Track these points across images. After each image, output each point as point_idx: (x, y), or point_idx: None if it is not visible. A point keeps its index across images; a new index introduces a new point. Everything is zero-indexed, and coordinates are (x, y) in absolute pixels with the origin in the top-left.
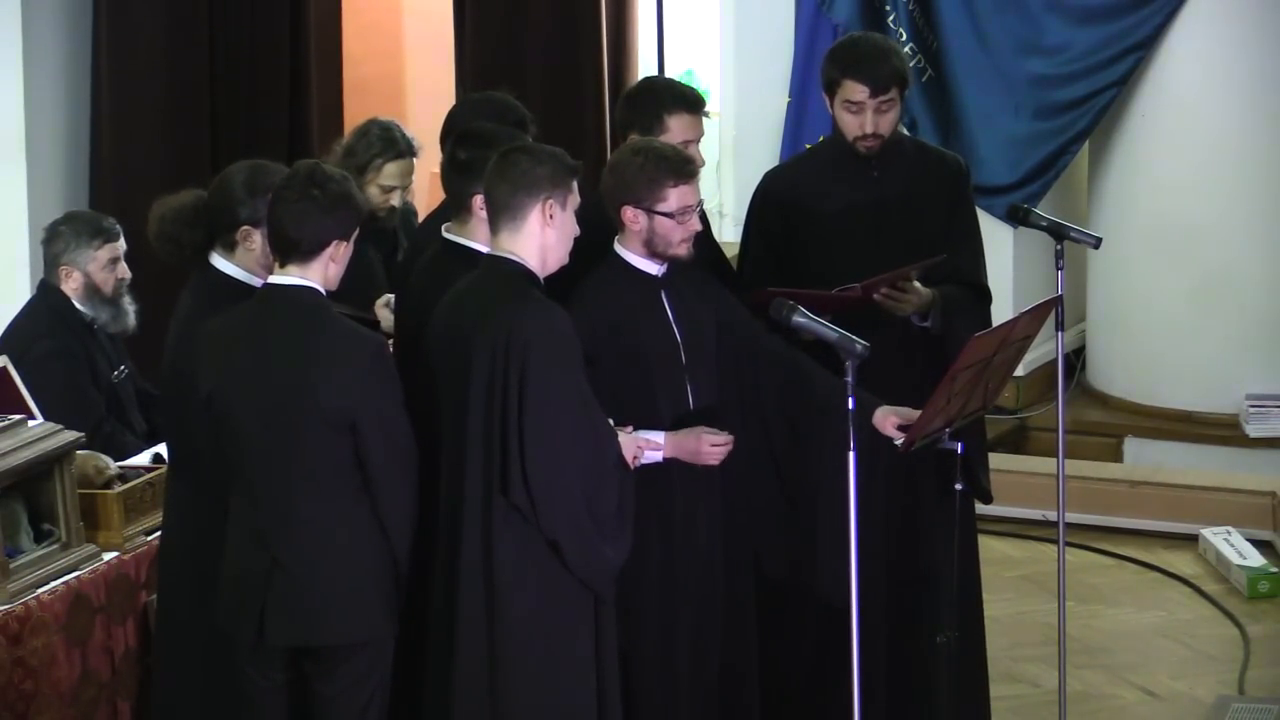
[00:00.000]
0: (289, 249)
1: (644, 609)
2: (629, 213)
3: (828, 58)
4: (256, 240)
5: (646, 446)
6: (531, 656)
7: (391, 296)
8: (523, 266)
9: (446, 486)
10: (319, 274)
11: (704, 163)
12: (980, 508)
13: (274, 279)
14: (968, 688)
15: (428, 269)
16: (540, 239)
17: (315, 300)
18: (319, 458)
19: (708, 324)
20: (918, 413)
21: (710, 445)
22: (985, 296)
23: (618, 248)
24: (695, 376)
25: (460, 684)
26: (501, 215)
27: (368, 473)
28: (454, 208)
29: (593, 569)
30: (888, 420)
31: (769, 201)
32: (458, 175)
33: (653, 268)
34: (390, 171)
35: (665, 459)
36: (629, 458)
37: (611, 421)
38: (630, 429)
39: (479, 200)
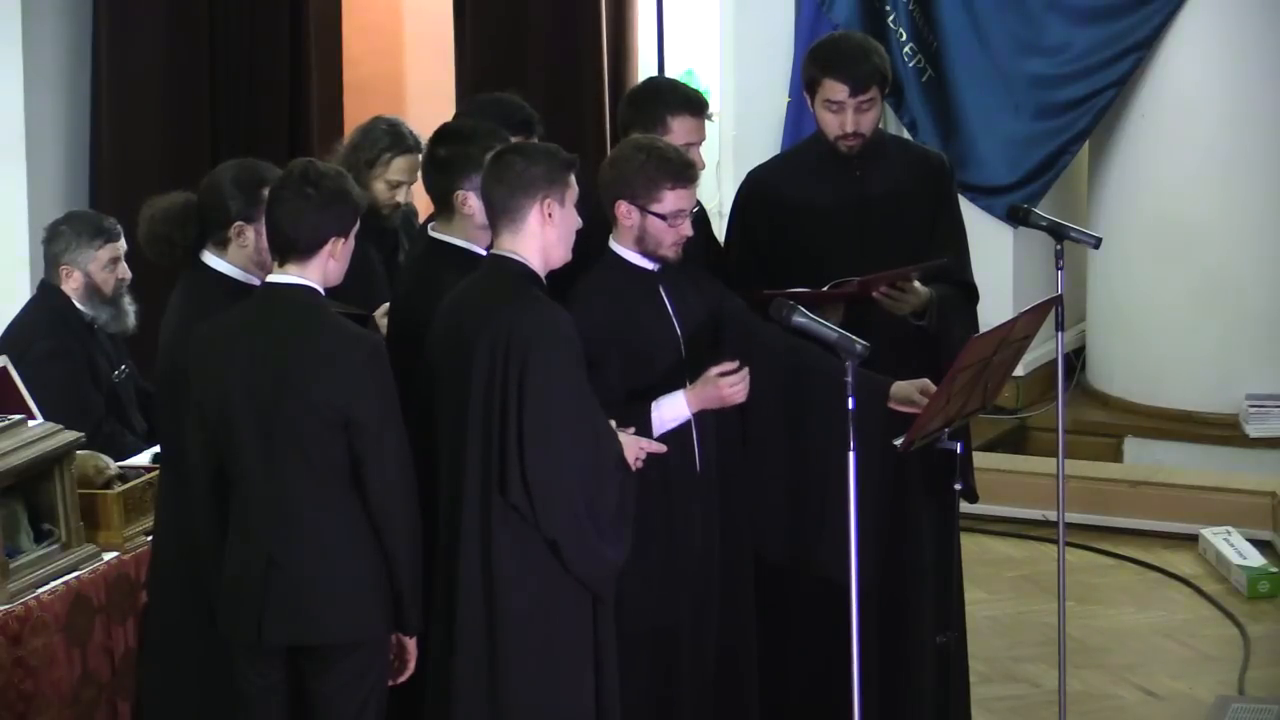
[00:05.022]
0: (287, 248)
1: (641, 604)
2: (623, 208)
3: (808, 57)
4: (249, 237)
5: (670, 415)
6: (530, 655)
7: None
8: (525, 266)
9: (446, 486)
10: (318, 272)
11: (704, 166)
12: (981, 508)
13: (272, 278)
14: (956, 687)
15: (415, 268)
16: (541, 238)
17: (312, 299)
18: (315, 456)
19: (706, 317)
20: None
21: (729, 386)
22: (973, 295)
23: (614, 245)
24: (695, 370)
25: (459, 683)
26: (500, 217)
27: (362, 471)
28: (437, 206)
29: (591, 569)
30: (914, 394)
31: (752, 201)
32: (438, 173)
33: (649, 263)
34: (398, 166)
35: (694, 414)
36: (630, 459)
37: (614, 423)
38: (632, 430)
39: (460, 196)
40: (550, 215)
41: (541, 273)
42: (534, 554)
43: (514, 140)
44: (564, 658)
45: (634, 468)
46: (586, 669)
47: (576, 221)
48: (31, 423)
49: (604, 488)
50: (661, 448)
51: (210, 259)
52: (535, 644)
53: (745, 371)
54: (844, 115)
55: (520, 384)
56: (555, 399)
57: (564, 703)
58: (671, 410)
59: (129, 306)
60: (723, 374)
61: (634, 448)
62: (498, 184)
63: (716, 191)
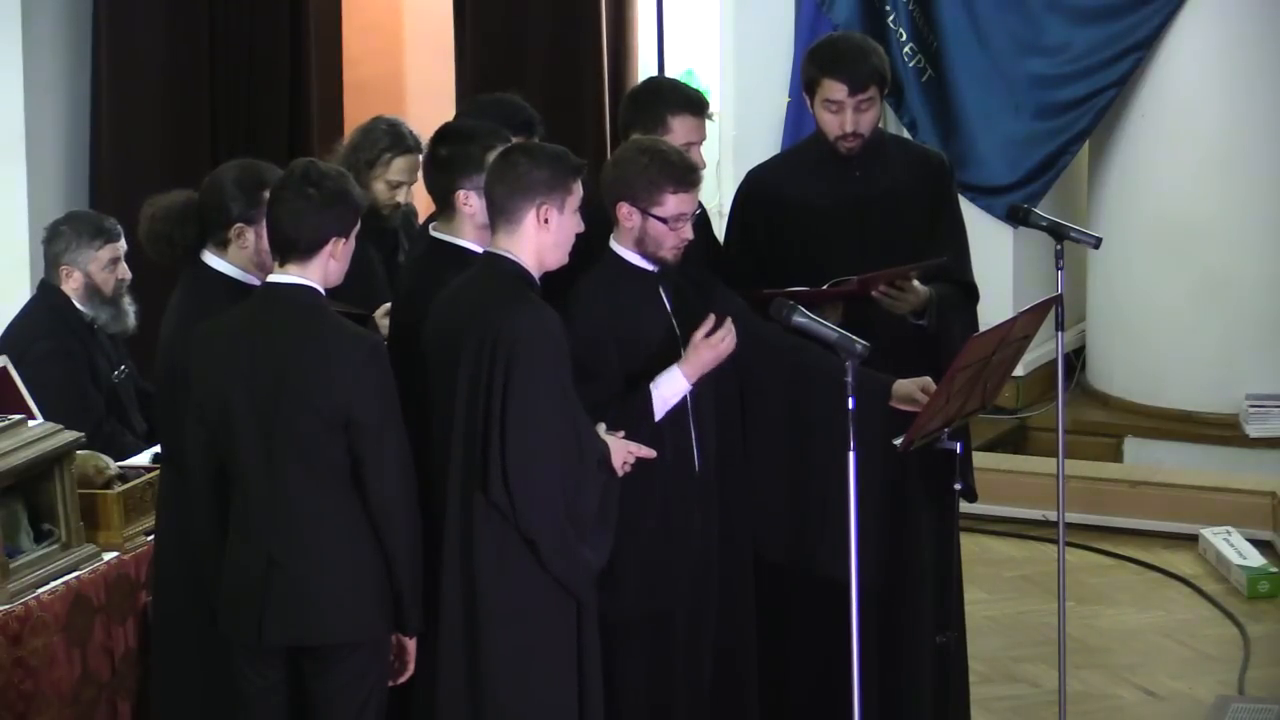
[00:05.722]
0: (287, 248)
1: (639, 604)
2: (624, 209)
3: (807, 57)
4: (249, 238)
5: (669, 392)
6: (511, 655)
7: (390, 305)
8: (518, 266)
9: (435, 484)
10: (318, 272)
11: (704, 165)
12: (981, 508)
13: (273, 278)
14: (956, 686)
15: (415, 267)
16: (535, 241)
17: (313, 299)
18: (315, 456)
19: (705, 316)
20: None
21: (717, 343)
22: (973, 294)
23: (614, 245)
24: None
25: (441, 683)
26: (498, 216)
27: (362, 472)
28: (438, 205)
29: (570, 570)
30: (915, 393)
31: (751, 200)
32: (440, 172)
33: (649, 264)
34: (398, 166)
35: (694, 386)
36: (618, 463)
37: (604, 427)
38: (621, 434)
39: (462, 196)
40: (546, 221)
41: (536, 274)
42: (515, 553)
43: (515, 141)
44: (545, 658)
45: (621, 472)
46: (569, 670)
47: (577, 226)
48: (31, 423)
49: (585, 489)
50: (651, 452)
51: (210, 259)
52: (516, 644)
53: (727, 322)
54: (843, 115)
55: (505, 383)
56: (538, 399)
57: (546, 703)
58: (670, 387)
59: (129, 306)
60: (706, 334)
61: (622, 452)
62: (499, 182)
63: (716, 191)
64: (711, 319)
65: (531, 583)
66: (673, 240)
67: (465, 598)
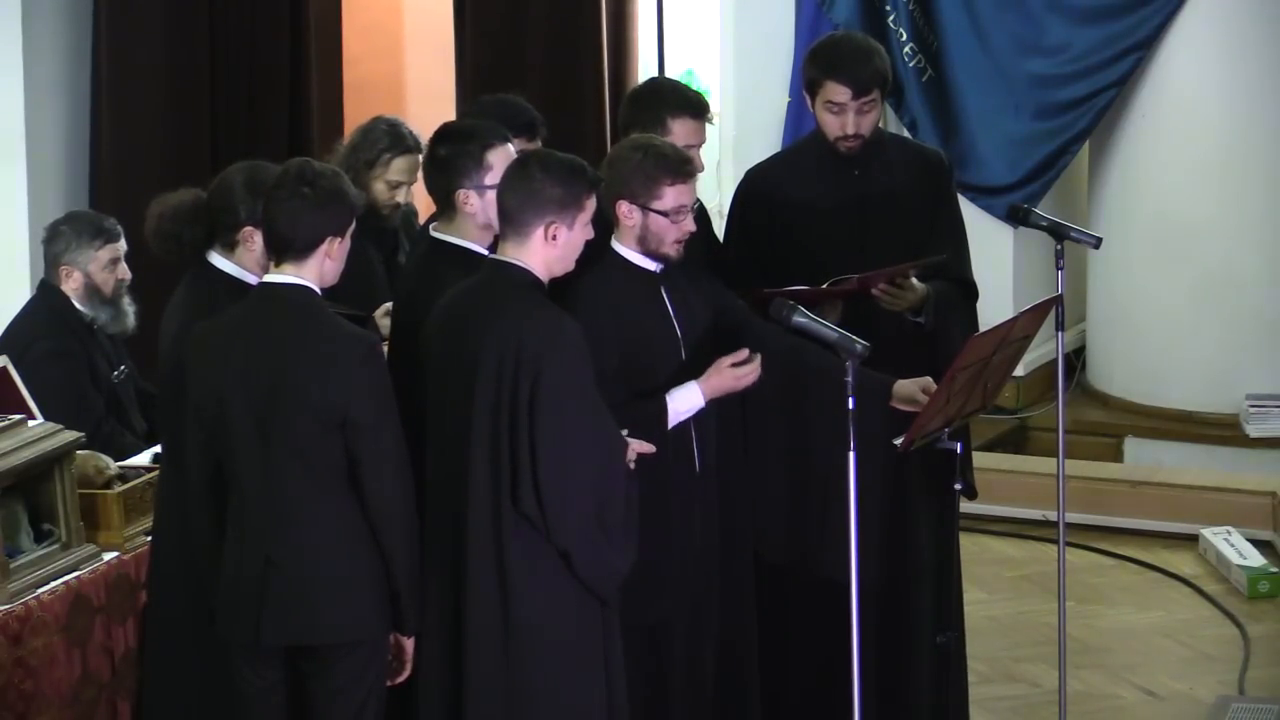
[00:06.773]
0: (283, 247)
1: (637, 603)
2: (624, 208)
3: (809, 58)
4: (258, 241)
5: (684, 406)
6: (545, 661)
7: (391, 305)
8: (529, 273)
9: (449, 490)
10: (314, 272)
11: (703, 168)
12: (981, 508)
13: (269, 278)
14: (955, 686)
15: (416, 268)
16: (543, 254)
17: (309, 299)
18: (311, 456)
19: (706, 318)
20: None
21: (740, 375)
22: (972, 292)
23: (615, 244)
24: (695, 370)
25: (473, 692)
26: (506, 224)
27: (359, 472)
28: (438, 205)
29: (600, 577)
30: (916, 393)
31: (751, 199)
32: (439, 172)
33: (650, 264)
34: (398, 166)
35: (694, 416)
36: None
37: None
38: (624, 432)
39: (462, 196)
40: (554, 237)
41: (545, 279)
42: (545, 562)
43: (516, 142)
44: (577, 660)
45: (630, 467)
46: (598, 672)
47: (587, 235)
48: (31, 423)
49: (614, 495)
50: (650, 448)
51: (216, 259)
52: (550, 650)
53: (757, 359)
54: (845, 117)
55: (533, 394)
56: (569, 409)
57: (579, 704)
58: (685, 401)
59: (128, 307)
60: (735, 364)
61: (629, 450)
62: (511, 192)
63: (716, 191)
64: (745, 351)
65: (562, 589)
66: (675, 234)
67: (500, 605)
